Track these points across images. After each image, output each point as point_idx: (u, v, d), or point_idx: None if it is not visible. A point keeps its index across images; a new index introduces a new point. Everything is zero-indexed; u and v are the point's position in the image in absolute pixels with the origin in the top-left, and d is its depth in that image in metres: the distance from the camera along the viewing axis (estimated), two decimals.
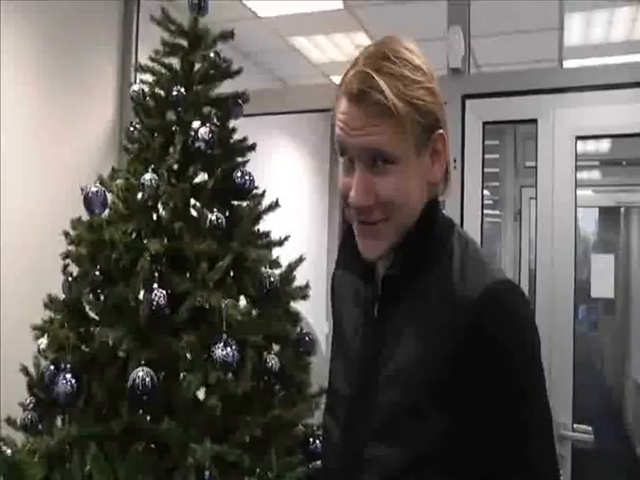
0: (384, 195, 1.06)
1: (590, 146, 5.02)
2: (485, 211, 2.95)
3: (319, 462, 2.00)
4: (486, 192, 3.61)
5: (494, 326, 1.01)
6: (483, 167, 2.92)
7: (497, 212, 5.27)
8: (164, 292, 1.93)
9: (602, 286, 3.64)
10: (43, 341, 2.06)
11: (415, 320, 1.08)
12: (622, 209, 5.32)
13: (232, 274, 2.09)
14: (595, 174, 5.67)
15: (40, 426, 2.03)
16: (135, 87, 2.25)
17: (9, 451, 2.00)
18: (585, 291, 3.57)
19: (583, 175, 4.98)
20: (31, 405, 2.07)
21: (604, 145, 5.18)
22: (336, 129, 1.10)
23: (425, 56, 1.11)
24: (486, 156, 2.95)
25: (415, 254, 1.11)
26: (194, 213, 2.13)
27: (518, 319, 1.04)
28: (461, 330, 1.01)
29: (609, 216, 5.28)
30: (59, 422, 2.04)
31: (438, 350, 1.03)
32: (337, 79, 1.14)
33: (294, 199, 2.45)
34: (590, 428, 2.72)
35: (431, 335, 1.05)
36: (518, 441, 1.01)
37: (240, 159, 2.23)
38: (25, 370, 2.10)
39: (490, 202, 5.36)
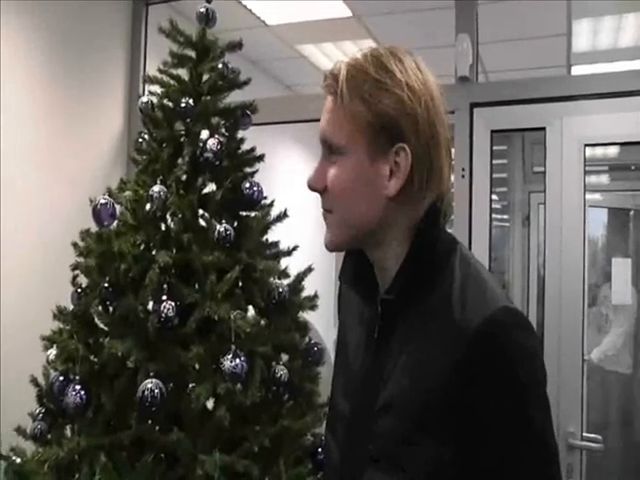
0: (328, 184, 1.10)
1: (598, 151, 5.00)
2: (493, 216, 2.96)
3: None
4: (494, 197, 3.60)
5: (493, 358, 0.97)
6: (491, 174, 2.93)
7: (505, 217, 5.26)
8: (173, 303, 1.93)
9: (620, 292, 3.63)
10: (52, 352, 2.06)
11: (412, 345, 1.05)
12: (631, 213, 5.30)
13: (241, 285, 2.09)
14: (603, 179, 5.65)
15: (49, 436, 2.04)
16: (144, 98, 2.26)
17: (19, 460, 2.01)
18: (594, 296, 3.56)
19: (591, 179, 4.95)
20: (40, 415, 2.07)
21: (612, 150, 5.16)
22: None
23: (424, 73, 1.07)
24: (494, 161, 2.96)
25: (413, 278, 1.08)
26: (203, 224, 2.14)
27: (520, 351, 0.99)
28: (459, 360, 0.98)
29: (618, 220, 5.25)
30: (68, 432, 2.04)
31: (433, 378, 1.00)
32: None
33: (302, 209, 2.45)
34: (600, 437, 2.71)
35: (427, 363, 1.02)
36: (520, 474, 0.98)
37: (248, 169, 2.24)
38: (35, 381, 2.11)
39: (498, 207, 5.35)
